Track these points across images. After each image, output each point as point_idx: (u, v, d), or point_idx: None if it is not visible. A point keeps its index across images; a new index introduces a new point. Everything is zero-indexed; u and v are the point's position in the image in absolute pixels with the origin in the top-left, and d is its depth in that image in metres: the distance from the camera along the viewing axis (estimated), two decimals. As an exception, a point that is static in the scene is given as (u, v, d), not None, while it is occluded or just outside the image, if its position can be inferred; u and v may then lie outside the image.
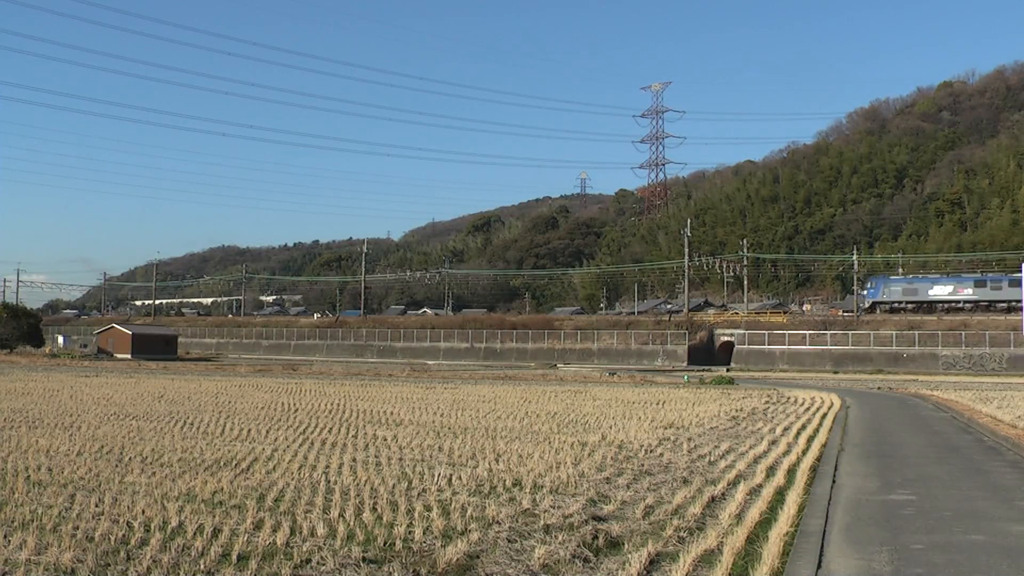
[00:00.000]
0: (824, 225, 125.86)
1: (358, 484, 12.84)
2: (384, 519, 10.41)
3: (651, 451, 17.23)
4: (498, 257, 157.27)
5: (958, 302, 78.43)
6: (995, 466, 16.16)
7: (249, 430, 20.76)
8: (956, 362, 69.69)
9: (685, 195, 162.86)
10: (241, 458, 15.68)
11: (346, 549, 8.97)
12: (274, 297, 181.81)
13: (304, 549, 8.93)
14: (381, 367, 70.66)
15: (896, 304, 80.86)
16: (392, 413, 26.27)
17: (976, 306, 77.40)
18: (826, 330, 76.62)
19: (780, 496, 12.09)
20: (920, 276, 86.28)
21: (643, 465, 15.24)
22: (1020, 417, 24.98)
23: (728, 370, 69.64)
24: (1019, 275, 71.43)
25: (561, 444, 18.22)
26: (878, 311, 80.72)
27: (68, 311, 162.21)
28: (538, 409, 28.26)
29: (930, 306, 79.06)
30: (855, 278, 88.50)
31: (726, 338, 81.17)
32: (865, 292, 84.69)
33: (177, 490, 12.26)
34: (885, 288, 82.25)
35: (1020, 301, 63.61)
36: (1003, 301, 76.02)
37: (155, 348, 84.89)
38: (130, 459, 15.43)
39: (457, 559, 8.56)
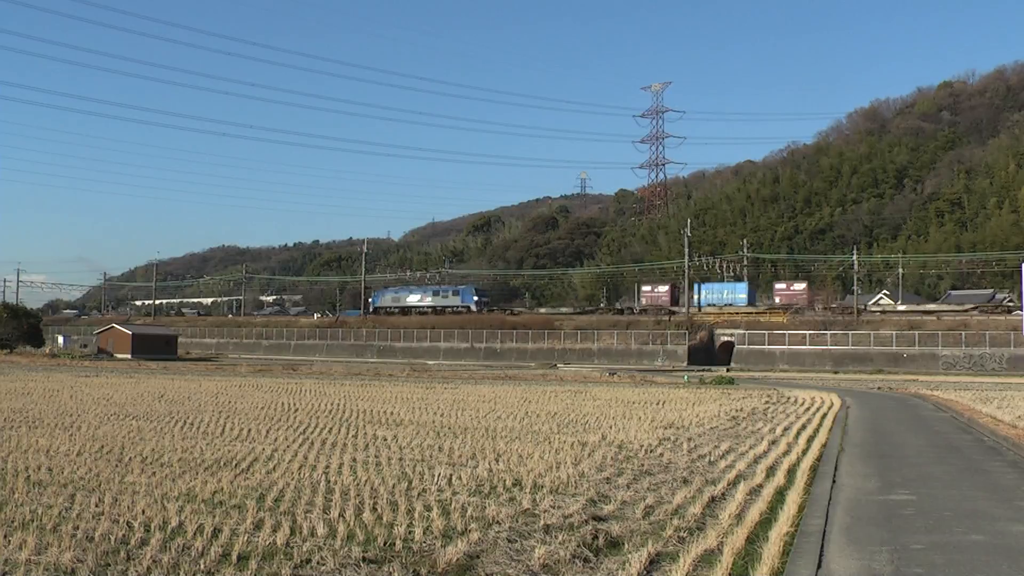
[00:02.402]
0: (824, 225, 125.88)
1: (358, 484, 12.84)
2: (384, 519, 10.41)
3: (651, 451, 17.24)
4: (498, 257, 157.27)
5: (422, 308, 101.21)
6: (995, 466, 16.16)
7: (249, 430, 20.77)
8: (956, 362, 69.70)
9: (685, 195, 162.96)
10: (241, 458, 15.68)
11: (346, 549, 8.97)
12: (274, 297, 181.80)
13: (304, 549, 8.93)
14: (381, 367, 70.66)
15: (389, 309, 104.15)
16: (392, 413, 26.27)
17: (433, 310, 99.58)
18: (826, 330, 76.63)
19: (780, 496, 12.10)
20: (402, 287, 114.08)
21: (643, 465, 15.24)
22: (1020, 417, 24.99)
23: (728, 370, 69.64)
24: (460, 287, 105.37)
25: (561, 444, 18.22)
26: (381, 313, 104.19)
27: (68, 311, 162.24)
28: (538, 409, 28.26)
29: (407, 310, 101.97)
30: (855, 278, 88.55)
31: (726, 338, 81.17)
32: (371, 299, 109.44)
33: (177, 490, 12.26)
34: (382, 297, 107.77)
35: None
36: (450, 307, 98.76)
37: (155, 348, 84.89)
38: (130, 459, 15.44)
39: (457, 559, 8.56)
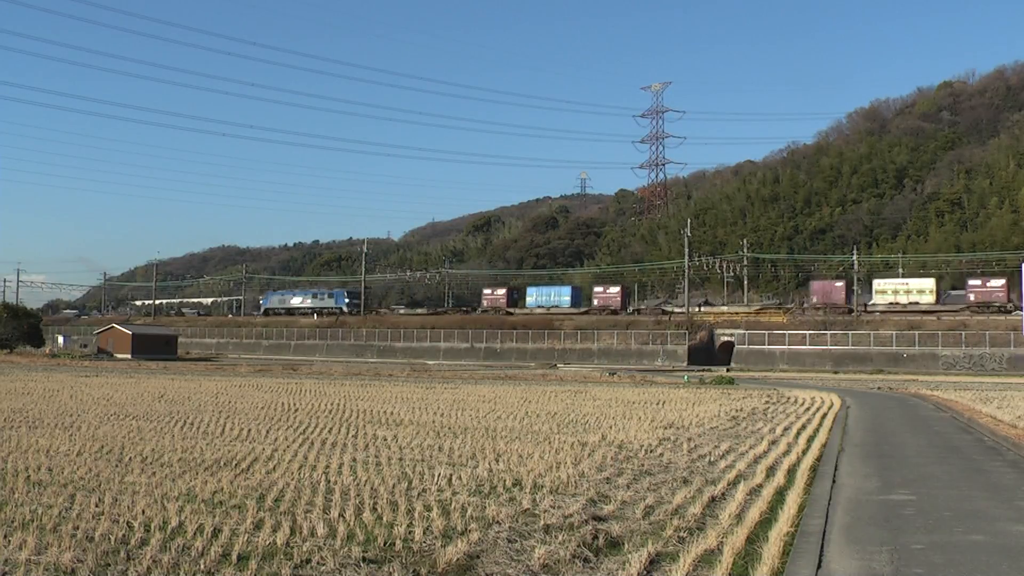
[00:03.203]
0: (824, 225, 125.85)
1: (358, 484, 12.84)
2: (384, 519, 10.41)
3: (651, 451, 17.24)
4: (498, 257, 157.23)
5: (304, 309, 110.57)
6: (995, 466, 16.17)
7: (249, 430, 20.77)
8: (956, 362, 69.71)
9: (685, 195, 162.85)
10: (241, 458, 15.68)
11: (346, 549, 8.98)
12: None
13: (304, 549, 8.93)
14: (381, 367, 70.68)
15: (276, 310, 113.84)
16: (392, 413, 26.28)
17: (312, 311, 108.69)
18: (826, 330, 76.66)
19: (780, 496, 12.10)
20: (288, 291, 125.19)
21: (643, 465, 15.25)
22: (1020, 417, 24.99)
23: (728, 370, 69.65)
24: (335, 290, 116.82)
25: (561, 444, 18.23)
26: (270, 314, 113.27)
27: (68, 311, 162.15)
28: (538, 409, 28.26)
29: (292, 311, 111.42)
30: (855, 278, 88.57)
31: (726, 338, 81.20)
32: (262, 301, 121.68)
33: (177, 490, 12.27)
34: (270, 299, 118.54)
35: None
36: (326, 308, 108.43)
37: (155, 348, 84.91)
38: (130, 459, 15.44)
39: (457, 559, 8.56)
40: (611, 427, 22.21)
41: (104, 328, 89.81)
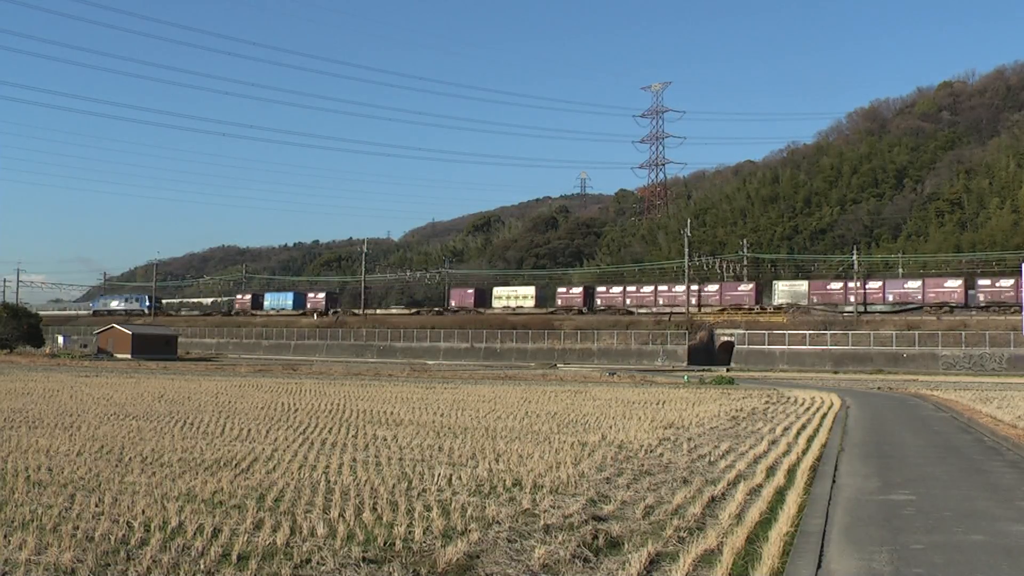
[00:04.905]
0: (824, 225, 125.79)
1: (358, 484, 12.84)
2: (384, 519, 10.41)
3: (651, 451, 17.24)
4: (498, 257, 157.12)
5: (117, 311, 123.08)
6: (995, 466, 16.17)
7: (249, 430, 20.77)
8: (956, 362, 69.72)
9: (685, 195, 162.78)
10: (241, 458, 15.68)
11: (346, 549, 8.98)
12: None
13: (304, 549, 8.93)
14: (381, 367, 70.67)
15: (99, 311, 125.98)
16: (392, 413, 26.28)
17: (122, 312, 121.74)
18: (826, 330, 76.66)
19: (780, 496, 12.10)
20: (110, 295, 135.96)
21: (643, 465, 15.25)
22: (1020, 417, 25.00)
23: (728, 370, 69.66)
24: (139, 295, 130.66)
25: (561, 444, 18.23)
26: (97, 315, 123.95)
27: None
28: (538, 409, 28.26)
29: (112, 312, 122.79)
30: (855, 278, 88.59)
31: (726, 338, 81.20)
32: (91, 304, 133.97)
33: (177, 490, 12.27)
34: (98, 302, 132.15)
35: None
36: (134, 310, 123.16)
37: (155, 348, 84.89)
38: (130, 459, 15.44)
39: (457, 559, 8.56)
40: (611, 427, 22.22)
41: (104, 328, 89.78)
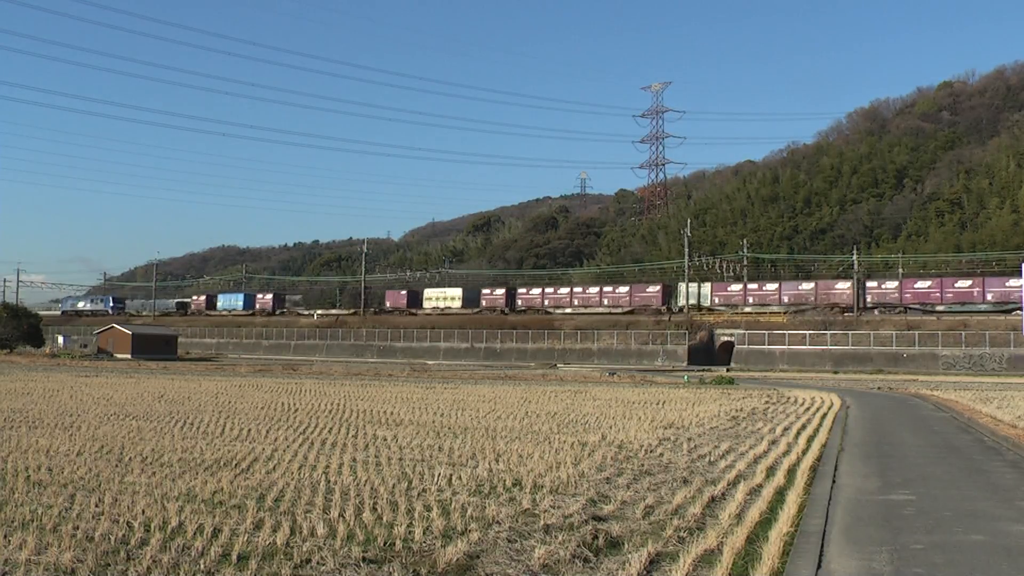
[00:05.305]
0: (824, 225, 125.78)
1: (358, 484, 12.85)
2: (384, 519, 10.41)
3: (651, 451, 17.24)
4: (498, 257, 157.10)
5: (84, 311, 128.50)
6: (995, 466, 16.17)
7: (249, 430, 20.77)
8: (956, 362, 69.70)
9: (685, 195, 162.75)
10: (241, 458, 15.68)
11: (346, 549, 8.98)
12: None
13: (304, 549, 8.93)
14: (381, 367, 70.67)
15: (68, 312, 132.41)
16: (392, 413, 26.28)
17: (89, 313, 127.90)
18: (826, 330, 76.66)
19: (780, 496, 12.10)
20: (84, 297, 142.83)
21: (643, 465, 15.25)
22: (1020, 417, 24.99)
23: (728, 370, 69.66)
24: (104, 296, 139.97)
25: (561, 444, 18.23)
26: (64, 315, 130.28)
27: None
28: (538, 409, 28.26)
29: (80, 313, 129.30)
30: (855, 278, 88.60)
31: (726, 338, 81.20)
32: (60, 304, 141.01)
33: (177, 490, 12.27)
34: (66, 303, 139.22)
35: None
36: (100, 310, 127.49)
37: (155, 348, 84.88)
38: (130, 459, 15.44)
39: (457, 559, 8.56)
40: (611, 427, 22.22)
41: (104, 328, 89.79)
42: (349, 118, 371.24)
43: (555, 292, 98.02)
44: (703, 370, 67.32)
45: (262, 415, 25.13)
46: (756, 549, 9.03)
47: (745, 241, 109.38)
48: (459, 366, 76.01)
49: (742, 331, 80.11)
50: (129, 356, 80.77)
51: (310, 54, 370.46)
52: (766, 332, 78.60)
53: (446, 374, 60.08)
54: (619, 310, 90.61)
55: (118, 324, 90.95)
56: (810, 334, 76.66)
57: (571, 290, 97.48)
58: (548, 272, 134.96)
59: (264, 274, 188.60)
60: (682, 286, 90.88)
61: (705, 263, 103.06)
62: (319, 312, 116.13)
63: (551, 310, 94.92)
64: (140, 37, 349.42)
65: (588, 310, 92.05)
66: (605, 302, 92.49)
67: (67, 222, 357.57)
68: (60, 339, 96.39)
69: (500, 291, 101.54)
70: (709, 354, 79.32)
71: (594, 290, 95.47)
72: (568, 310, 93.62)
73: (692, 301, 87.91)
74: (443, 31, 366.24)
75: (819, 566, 8.50)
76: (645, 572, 8.35)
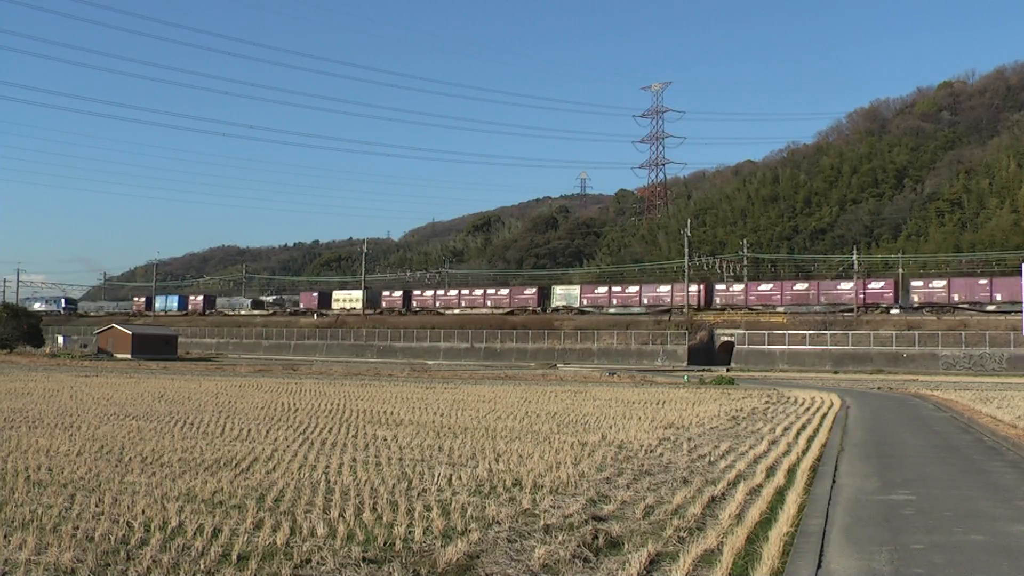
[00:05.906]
0: (824, 225, 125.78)
1: (358, 484, 12.85)
2: (384, 519, 10.41)
3: (651, 451, 17.24)
4: (498, 257, 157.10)
5: (41, 312, 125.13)
6: (995, 466, 16.17)
7: (249, 430, 20.77)
8: (956, 362, 69.70)
9: (685, 195, 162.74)
10: (241, 458, 15.69)
11: (346, 549, 8.98)
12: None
13: (304, 549, 8.93)
14: (381, 367, 70.66)
15: (58, 313, 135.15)
16: (392, 413, 26.28)
17: (47, 315, 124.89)
18: (826, 330, 76.66)
19: (780, 496, 12.10)
20: (34, 298, 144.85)
21: (643, 465, 15.25)
22: (1020, 417, 24.99)
23: (728, 370, 69.65)
24: (61, 296, 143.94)
25: (561, 444, 18.23)
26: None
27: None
28: (538, 409, 28.26)
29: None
30: (855, 278, 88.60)
31: (726, 338, 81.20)
32: (37, 305, 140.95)
33: (177, 490, 12.27)
34: (34, 304, 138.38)
35: None
36: (63, 310, 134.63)
37: (155, 348, 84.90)
38: (130, 459, 15.44)
39: (457, 559, 8.56)
40: (611, 427, 22.22)
41: (104, 328, 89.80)
42: (349, 118, 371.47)
43: (445, 294, 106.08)
44: (703, 370, 67.32)
45: (262, 415, 25.13)
46: (756, 549, 9.03)
47: (745, 241, 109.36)
48: (459, 366, 76.00)
49: (742, 331, 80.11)
50: (129, 356, 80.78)
51: (310, 54, 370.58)
52: (766, 332, 78.60)
53: (446, 374, 60.07)
54: (500, 311, 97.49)
55: (118, 324, 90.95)
56: (810, 334, 76.67)
57: (459, 292, 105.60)
58: (548, 272, 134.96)
59: (264, 274, 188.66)
60: (556, 288, 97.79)
61: (705, 263, 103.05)
62: (245, 312, 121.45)
63: (442, 311, 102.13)
64: (140, 37, 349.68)
65: (473, 311, 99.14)
66: (488, 303, 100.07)
67: (67, 222, 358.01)
68: (60, 339, 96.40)
69: (398, 293, 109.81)
70: (709, 354, 79.33)
71: (479, 292, 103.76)
72: (456, 311, 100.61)
73: (563, 303, 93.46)
74: (443, 31, 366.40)
75: (819, 566, 8.50)
76: (645, 572, 8.35)
